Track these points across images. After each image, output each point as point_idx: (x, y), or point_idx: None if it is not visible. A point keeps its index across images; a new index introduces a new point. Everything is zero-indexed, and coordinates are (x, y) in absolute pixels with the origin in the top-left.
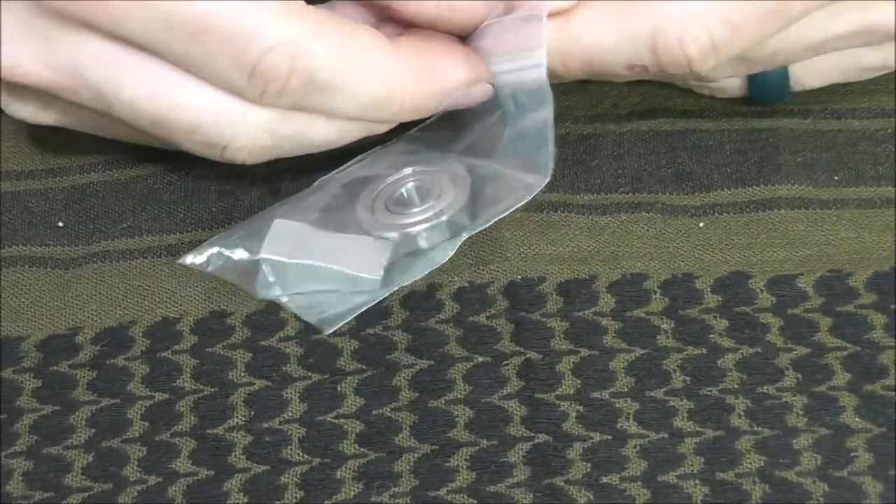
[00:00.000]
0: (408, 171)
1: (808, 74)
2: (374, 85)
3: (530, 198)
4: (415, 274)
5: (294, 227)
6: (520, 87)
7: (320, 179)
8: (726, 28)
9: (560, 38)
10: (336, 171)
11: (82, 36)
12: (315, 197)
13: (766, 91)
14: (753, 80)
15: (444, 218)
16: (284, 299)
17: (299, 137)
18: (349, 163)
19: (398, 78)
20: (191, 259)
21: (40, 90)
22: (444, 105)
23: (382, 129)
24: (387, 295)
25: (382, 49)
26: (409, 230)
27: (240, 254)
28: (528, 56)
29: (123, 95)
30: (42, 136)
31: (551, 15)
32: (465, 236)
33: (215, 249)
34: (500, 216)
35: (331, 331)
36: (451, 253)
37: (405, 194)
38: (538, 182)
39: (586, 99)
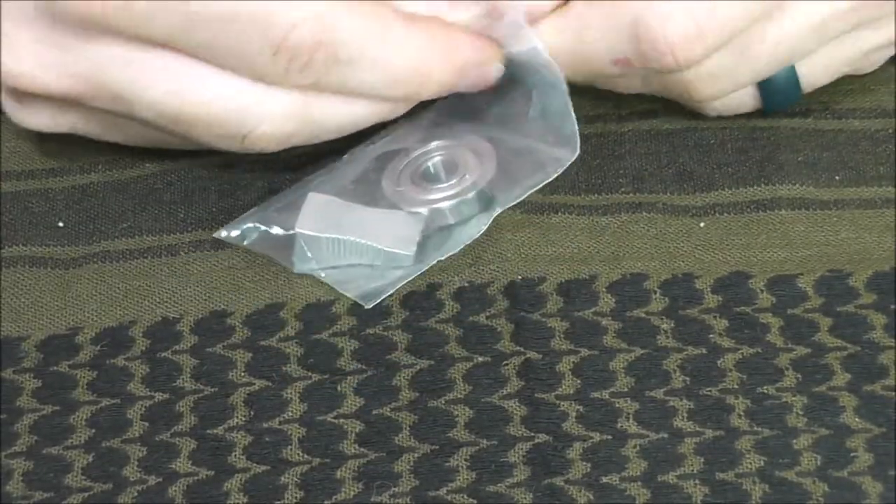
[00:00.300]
0: (433, 145)
1: (816, 72)
2: (398, 59)
3: (562, 170)
4: (450, 248)
5: (328, 201)
6: (534, 67)
7: (351, 151)
8: (709, 12)
9: (551, 38)
10: (365, 143)
11: (101, 41)
12: (348, 169)
13: (778, 96)
14: (764, 90)
15: (471, 194)
16: (322, 274)
17: (320, 121)
18: (378, 135)
19: (421, 53)
20: (226, 233)
21: (58, 99)
22: (463, 84)
23: (401, 110)
24: (424, 269)
25: (405, 24)
26: (437, 205)
27: (276, 228)
28: (522, 41)
29: (146, 95)
30: (42, 137)
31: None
32: (498, 210)
33: (251, 224)
34: (533, 189)
35: (371, 305)
36: (485, 227)
37: (431, 169)
38: (568, 156)
39: (587, 99)
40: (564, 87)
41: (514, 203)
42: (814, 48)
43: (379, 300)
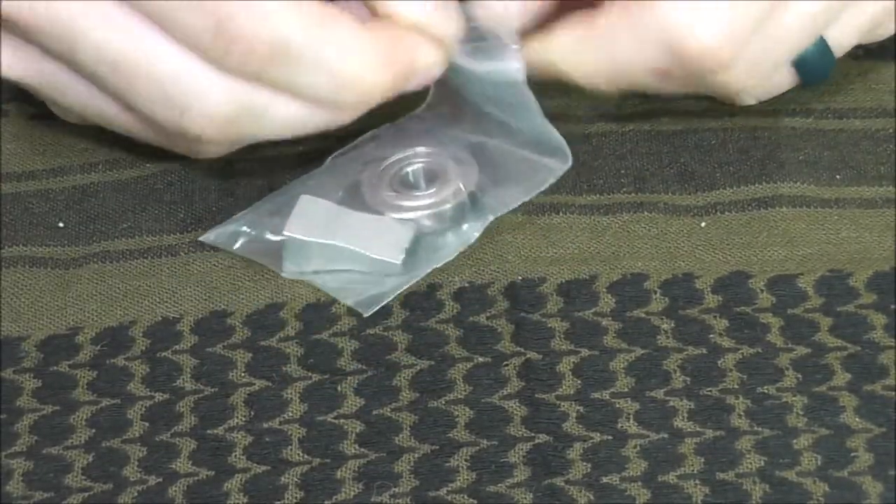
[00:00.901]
0: (411, 151)
1: (843, 34)
2: (343, 63)
3: (554, 181)
4: (444, 256)
5: (320, 205)
6: (505, 85)
7: (333, 155)
8: (733, 5)
9: (581, 54)
10: (350, 146)
11: None
12: (336, 174)
13: (814, 68)
14: (798, 65)
15: (448, 205)
16: (318, 281)
17: (263, 114)
18: (363, 139)
19: (368, 60)
20: (213, 236)
21: (11, 29)
22: (407, 88)
23: (345, 118)
24: (422, 276)
25: (355, 30)
26: (417, 213)
27: (265, 233)
28: (504, 59)
29: (90, 36)
30: (42, 137)
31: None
32: (490, 218)
33: (239, 227)
34: (526, 199)
35: (370, 313)
36: (477, 235)
37: (410, 176)
38: (560, 166)
39: (589, 99)
40: (537, 108)
41: (507, 211)
42: (840, 11)
43: (377, 308)
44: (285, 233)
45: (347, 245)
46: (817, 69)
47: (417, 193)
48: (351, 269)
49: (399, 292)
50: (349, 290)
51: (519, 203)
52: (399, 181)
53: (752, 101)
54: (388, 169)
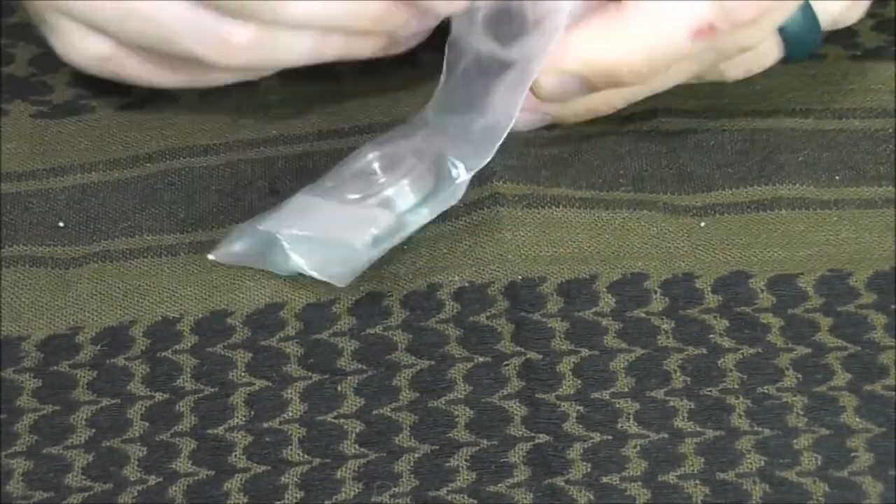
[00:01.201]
0: (370, 155)
1: (833, 3)
2: None
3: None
4: (418, 223)
5: (306, 201)
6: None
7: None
8: None
9: (619, 35)
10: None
11: None
12: (329, 174)
13: (800, 41)
14: (785, 37)
15: (405, 180)
16: (304, 266)
17: None
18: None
19: None
20: (223, 250)
21: None
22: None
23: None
24: (397, 244)
25: None
26: (382, 196)
27: (250, 234)
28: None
29: None
30: (42, 137)
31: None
32: (467, 176)
33: (240, 235)
34: (497, 144)
35: (344, 284)
36: (461, 194)
37: (370, 169)
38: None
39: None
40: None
41: (477, 170)
42: None
43: (352, 279)
44: (259, 228)
45: (318, 233)
46: (802, 38)
47: (380, 181)
48: (327, 255)
49: (371, 262)
50: (327, 268)
51: (489, 156)
52: (363, 173)
53: (741, 76)
54: (353, 167)
